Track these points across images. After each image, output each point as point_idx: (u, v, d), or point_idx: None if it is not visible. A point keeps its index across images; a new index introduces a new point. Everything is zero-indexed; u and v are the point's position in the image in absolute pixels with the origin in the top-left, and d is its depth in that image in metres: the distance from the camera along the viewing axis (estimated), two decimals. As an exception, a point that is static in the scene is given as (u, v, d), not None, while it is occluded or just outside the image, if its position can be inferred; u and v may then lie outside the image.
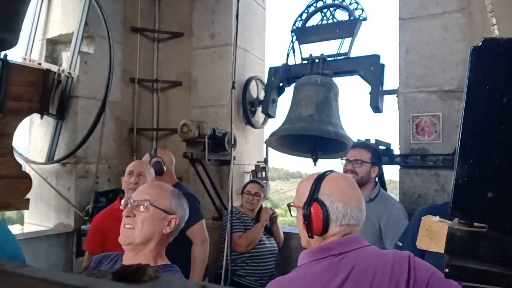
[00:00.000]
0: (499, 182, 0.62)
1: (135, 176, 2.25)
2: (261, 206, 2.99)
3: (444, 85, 2.73)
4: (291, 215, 1.27)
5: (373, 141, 2.77)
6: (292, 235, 3.22)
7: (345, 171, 2.24)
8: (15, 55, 2.94)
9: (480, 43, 0.64)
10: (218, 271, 2.87)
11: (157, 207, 1.33)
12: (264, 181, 3.38)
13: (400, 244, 1.84)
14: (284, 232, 3.22)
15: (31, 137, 3.35)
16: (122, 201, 1.37)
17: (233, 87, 1.95)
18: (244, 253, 2.73)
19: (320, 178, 1.19)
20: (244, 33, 3.70)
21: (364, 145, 2.33)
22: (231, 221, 2.28)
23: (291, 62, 3.32)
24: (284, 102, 3.42)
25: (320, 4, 3.32)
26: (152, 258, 1.32)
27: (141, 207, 1.32)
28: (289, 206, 1.27)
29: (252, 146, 3.87)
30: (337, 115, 2.97)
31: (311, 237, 1.16)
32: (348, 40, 3.12)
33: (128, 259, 1.34)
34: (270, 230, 2.93)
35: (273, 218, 2.94)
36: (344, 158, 2.28)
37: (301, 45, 3.32)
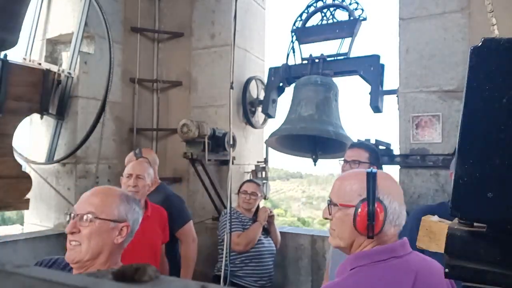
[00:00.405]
0: (499, 182, 0.62)
1: (133, 179, 2.22)
2: (259, 206, 2.99)
3: (444, 85, 2.73)
4: (328, 215, 1.18)
5: (373, 141, 2.77)
6: (292, 235, 3.23)
7: (343, 172, 2.23)
8: (15, 55, 2.94)
9: (480, 43, 0.64)
10: (216, 273, 2.87)
11: (103, 218, 1.21)
12: (264, 181, 3.37)
13: None
14: (284, 232, 3.23)
15: (31, 137, 3.35)
16: (65, 215, 1.28)
17: (231, 87, 1.95)
18: (243, 253, 2.73)
19: (373, 176, 1.14)
20: (244, 33, 3.70)
21: (361, 145, 2.31)
22: (230, 221, 2.28)
23: (291, 62, 3.32)
24: (284, 102, 3.43)
25: (320, 4, 3.33)
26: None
27: (85, 220, 1.20)
28: (330, 204, 1.18)
29: (252, 146, 3.87)
30: (337, 115, 2.97)
31: (371, 237, 1.10)
32: (348, 40, 3.12)
33: None
34: (267, 230, 2.93)
35: (270, 218, 2.94)
36: (342, 159, 2.27)
37: (301, 45, 3.32)
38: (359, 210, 1.10)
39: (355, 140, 2.79)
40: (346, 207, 1.14)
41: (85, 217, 1.21)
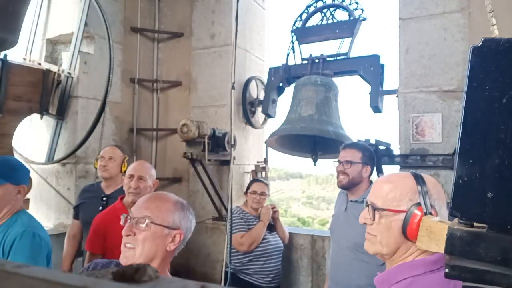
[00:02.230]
0: (499, 182, 0.62)
1: (135, 180, 2.19)
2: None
3: (444, 85, 2.73)
4: (370, 219, 1.10)
5: (373, 141, 2.77)
6: (292, 235, 3.22)
7: (337, 172, 2.22)
8: (15, 55, 2.94)
9: (480, 43, 0.64)
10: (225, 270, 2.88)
11: (159, 224, 1.22)
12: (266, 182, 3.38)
13: None
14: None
15: (31, 137, 3.35)
16: (121, 217, 1.27)
17: (232, 88, 1.95)
18: (250, 252, 2.74)
19: (422, 180, 1.07)
20: (244, 33, 3.70)
21: (354, 145, 2.30)
22: (231, 221, 2.28)
23: (291, 62, 3.32)
24: (284, 102, 3.43)
25: (320, 4, 3.33)
26: None
27: (141, 225, 1.21)
28: (372, 208, 1.10)
29: (252, 146, 3.87)
30: (337, 115, 2.97)
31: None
32: (348, 40, 3.12)
33: None
34: (273, 227, 2.93)
35: (274, 214, 2.95)
36: (336, 160, 2.27)
37: (301, 45, 3.32)
38: (412, 215, 1.02)
39: (355, 140, 2.80)
40: (395, 212, 1.06)
41: (141, 221, 1.21)
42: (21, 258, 1.61)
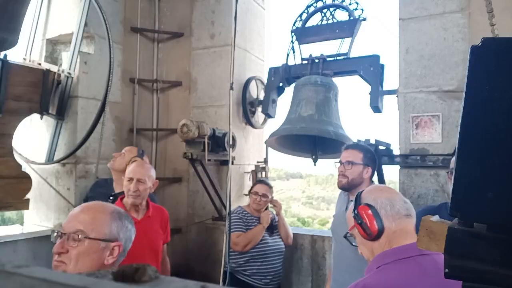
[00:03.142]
0: (499, 182, 0.62)
1: (134, 183, 2.18)
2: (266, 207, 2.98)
3: (444, 85, 2.73)
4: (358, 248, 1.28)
5: (373, 141, 2.77)
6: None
7: (339, 173, 2.22)
8: (15, 55, 2.94)
9: (480, 43, 0.64)
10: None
11: (94, 238, 1.12)
12: (267, 182, 3.37)
13: None
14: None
15: (31, 137, 3.35)
16: (51, 233, 1.17)
17: (231, 88, 1.95)
18: (246, 252, 2.73)
19: (357, 196, 1.28)
20: (244, 33, 3.70)
21: (356, 146, 2.29)
22: (230, 221, 2.28)
23: (291, 62, 3.32)
24: (284, 102, 3.43)
25: (320, 4, 3.33)
26: None
27: (74, 240, 1.11)
28: (346, 236, 1.33)
29: (252, 146, 3.87)
30: (337, 115, 2.97)
31: (376, 238, 1.18)
32: (348, 40, 3.12)
33: None
34: (272, 229, 2.92)
35: (276, 208, 2.95)
36: (338, 160, 2.26)
37: (301, 45, 3.32)
38: (355, 221, 1.23)
39: (355, 140, 2.79)
40: (354, 227, 1.26)
41: (74, 236, 1.12)
42: None
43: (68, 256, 1.11)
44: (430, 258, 1.10)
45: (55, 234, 1.16)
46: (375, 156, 2.28)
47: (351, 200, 2.22)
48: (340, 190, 2.36)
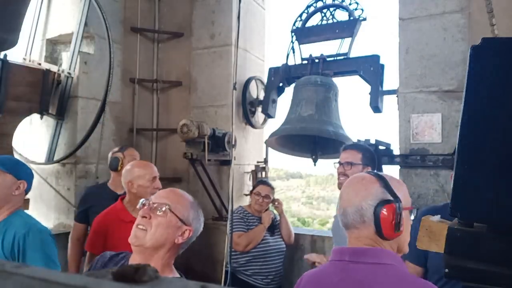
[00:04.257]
0: (499, 182, 0.62)
1: (158, 181, 2.23)
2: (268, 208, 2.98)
3: (444, 85, 2.73)
4: None
5: (373, 141, 2.77)
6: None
7: (338, 174, 2.20)
8: (15, 55, 2.94)
9: (480, 43, 0.64)
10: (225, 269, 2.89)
11: (175, 214, 1.27)
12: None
13: None
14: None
15: (31, 137, 3.35)
16: (140, 201, 1.31)
17: (234, 88, 1.95)
18: (247, 252, 2.73)
19: None
20: (244, 33, 3.70)
21: (354, 146, 2.27)
22: (232, 221, 2.28)
23: (291, 62, 3.32)
24: (284, 102, 3.43)
25: (320, 4, 3.33)
26: (159, 267, 1.23)
27: (159, 211, 1.26)
28: None
29: (252, 146, 3.87)
30: (337, 115, 2.97)
31: None
32: (348, 40, 3.12)
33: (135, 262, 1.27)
34: (273, 230, 2.92)
35: (277, 208, 2.94)
36: (337, 161, 2.25)
37: (301, 45, 3.32)
38: None
39: (355, 140, 2.79)
40: None
41: (160, 206, 1.25)
42: (37, 255, 1.61)
43: (149, 222, 1.24)
44: (341, 264, 1.10)
45: (143, 202, 1.29)
46: (374, 155, 2.28)
47: None
48: (340, 191, 2.35)
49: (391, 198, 1.06)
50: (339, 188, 2.23)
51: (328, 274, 1.12)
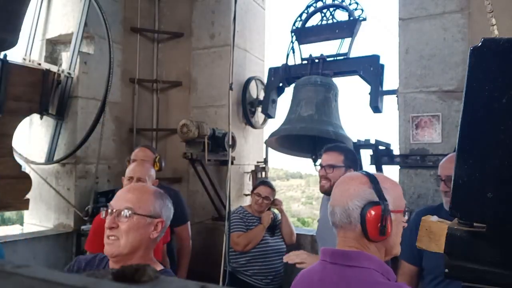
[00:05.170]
0: (499, 182, 0.62)
1: (135, 183, 2.14)
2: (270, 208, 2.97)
3: (443, 85, 2.73)
4: None
5: (373, 141, 2.77)
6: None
7: (319, 177, 2.16)
8: (15, 55, 2.94)
9: (480, 43, 0.64)
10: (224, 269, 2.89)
11: (141, 214, 1.25)
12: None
13: None
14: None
15: (31, 137, 3.35)
16: (101, 210, 1.28)
17: (230, 89, 1.94)
18: (247, 252, 2.73)
19: None
20: (244, 33, 3.71)
21: (336, 148, 2.22)
22: (229, 221, 2.27)
23: (290, 62, 3.32)
24: (284, 102, 3.43)
25: (320, 4, 3.33)
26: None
27: (124, 216, 1.23)
28: None
29: (251, 146, 3.87)
30: (336, 115, 2.97)
31: None
32: (347, 40, 3.12)
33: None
34: (273, 230, 2.91)
35: (276, 206, 2.94)
36: (319, 164, 2.20)
37: (301, 46, 3.32)
38: None
39: (354, 140, 2.79)
40: None
41: (123, 212, 1.24)
42: None
43: (119, 231, 1.23)
44: (323, 264, 1.10)
45: (105, 210, 1.28)
46: (356, 156, 2.23)
47: None
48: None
49: (378, 200, 1.04)
50: (322, 192, 2.21)
51: (314, 272, 1.13)
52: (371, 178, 1.09)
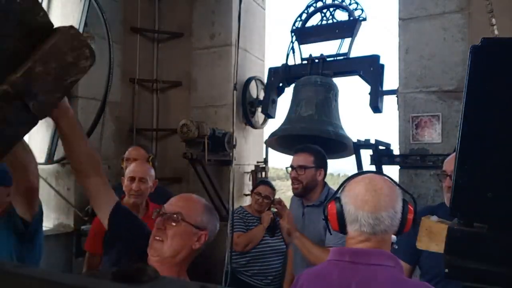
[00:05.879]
0: (499, 182, 0.62)
1: (136, 183, 2.16)
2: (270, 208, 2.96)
3: (443, 85, 2.73)
4: None
5: (373, 141, 2.77)
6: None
7: (291, 179, 2.16)
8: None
9: (480, 43, 0.64)
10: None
11: (189, 222, 1.28)
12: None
13: (396, 246, 1.82)
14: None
15: (31, 137, 3.35)
16: (153, 211, 1.32)
17: (235, 89, 1.93)
18: (246, 253, 2.73)
19: (349, 178, 1.20)
20: (244, 33, 3.70)
21: (306, 148, 2.22)
22: (232, 221, 2.27)
23: (290, 62, 3.32)
24: (284, 102, 3.43)
25: (320, 4, 3.33)
26: (175, 272, 1.27)
27: (173, 221, 1.27)
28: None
29: (251, 146, 3.87)
30: (336, 115, 2.97)
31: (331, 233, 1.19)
32: (347, 40, 3.12)
33: None
34: (273, 230, 2.91)
35: (276, 205, 2.93)
36: (289, 166, 2.18)
37: (301, 46, 3.32)
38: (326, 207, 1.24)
39: (354, 140, 2.79)
40: None
41: (173, 217, 1.27)
42: None
43: (165, 233, 1.26)
44: (357, 269, 1.09)
45: (157, 211, 1.31)
46: (325, 156, 2.24)
47: (307, 206, 2.16)
48: (290, 196, 2.33)
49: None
50: (296, 195, 2.20)
51: (329, 272, 1.12)
52: (388, 177, 1.16)
